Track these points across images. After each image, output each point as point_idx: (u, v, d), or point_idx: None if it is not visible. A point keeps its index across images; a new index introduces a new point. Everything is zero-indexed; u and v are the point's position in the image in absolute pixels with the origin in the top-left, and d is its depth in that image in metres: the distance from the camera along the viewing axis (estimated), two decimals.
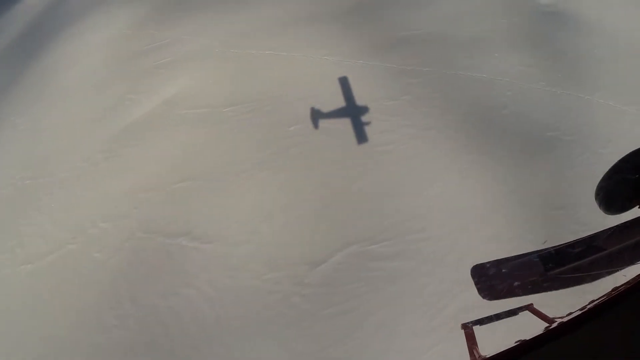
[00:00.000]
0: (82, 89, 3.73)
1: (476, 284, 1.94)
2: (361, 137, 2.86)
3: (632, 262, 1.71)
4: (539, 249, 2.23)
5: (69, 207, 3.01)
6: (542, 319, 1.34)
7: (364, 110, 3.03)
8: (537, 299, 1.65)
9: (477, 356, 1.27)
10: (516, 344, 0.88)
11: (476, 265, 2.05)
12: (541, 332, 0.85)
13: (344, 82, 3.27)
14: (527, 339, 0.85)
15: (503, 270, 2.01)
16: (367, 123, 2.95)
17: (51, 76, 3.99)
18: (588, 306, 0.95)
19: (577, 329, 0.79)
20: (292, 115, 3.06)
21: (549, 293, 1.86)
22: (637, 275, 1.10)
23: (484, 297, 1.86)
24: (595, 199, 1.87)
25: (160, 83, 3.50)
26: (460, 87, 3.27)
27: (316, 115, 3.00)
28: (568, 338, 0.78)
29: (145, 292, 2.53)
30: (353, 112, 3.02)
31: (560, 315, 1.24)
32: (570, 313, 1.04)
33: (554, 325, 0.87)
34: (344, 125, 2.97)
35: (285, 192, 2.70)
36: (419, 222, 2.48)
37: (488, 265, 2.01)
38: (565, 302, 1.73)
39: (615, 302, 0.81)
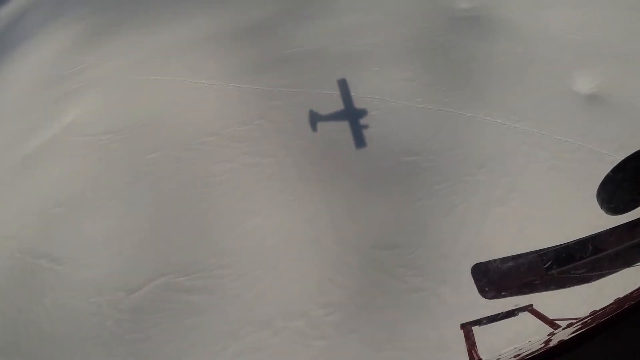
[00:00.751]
0: (13, 113, 4.24)
1: (476, 283, 1.91)
2: (203, 165, 2.92)
3: (632, 263, 1.67)
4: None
5: None
6: (541, 320, 1.31)
7: (215, 136, 3.06)
8: (537, 299, 1.64)
9: (476, 358, 1.26)
10: (515, 359, 0.88)
11: (476, 264, 2.01)
12: (541, 350, 0.82)
13: (211, 106, 3.32)
14: (526, 356, 0.83)
15: (503, 270, 1.96)
16: (214, 150, 2.99)
17: None
18: (589, 320, 0.91)
19: (578, 347, 0.75)
20: (153, 143, 3.21)
21: (549, 293, 1.83)
22: (638, 288, 1.06)
23: (483, 297, 1.84)
24: (597, 199, 1.79)
25: (63, 110, 3.84)
26: (324, 108, 3.13)
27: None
28: (569, 357, 0.75)
29: (11, 305, 2.93)
30: (205, 138, 3.08)
31: (559, 317, 1.25)
32: (571, 323, 1.02)
33: (554, 343, 0.84)
34: (195, 152, 3.05)
35: (127, 220, 2.89)
36: (227, 257, 2.53)
37: (488, 264, 1.98)
38: (565, 303, 1.74)
39: (619, 319, 0.77)
